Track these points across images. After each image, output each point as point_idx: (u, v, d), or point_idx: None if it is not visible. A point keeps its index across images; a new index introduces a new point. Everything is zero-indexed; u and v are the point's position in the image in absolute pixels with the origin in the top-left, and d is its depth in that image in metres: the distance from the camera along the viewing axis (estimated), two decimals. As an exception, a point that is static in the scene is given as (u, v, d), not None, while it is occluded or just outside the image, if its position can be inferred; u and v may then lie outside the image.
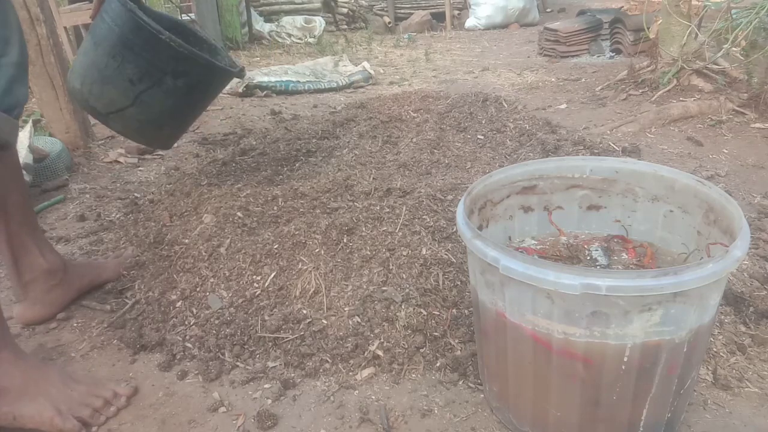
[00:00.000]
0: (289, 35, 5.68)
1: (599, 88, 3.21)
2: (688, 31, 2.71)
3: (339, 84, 3.64)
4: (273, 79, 3.56)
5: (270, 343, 1.22)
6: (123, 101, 1.51)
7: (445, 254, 1.36)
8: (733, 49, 2.69)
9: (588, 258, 1.11)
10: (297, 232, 1.39)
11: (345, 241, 1.38)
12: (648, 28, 3.16)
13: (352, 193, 1.62)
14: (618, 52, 4.13)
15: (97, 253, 1.67)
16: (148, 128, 1.62)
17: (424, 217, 1.48)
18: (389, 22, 6.46)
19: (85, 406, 1.07)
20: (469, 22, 6.16)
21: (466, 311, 1.26)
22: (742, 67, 2.72)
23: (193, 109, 1.73)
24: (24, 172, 1.98)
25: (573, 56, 4.25)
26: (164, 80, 1.50)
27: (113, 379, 1.18)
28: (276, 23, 5.86)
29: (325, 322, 1.24)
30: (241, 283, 1.33)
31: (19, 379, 1.04)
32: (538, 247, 1.18)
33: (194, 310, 1.31)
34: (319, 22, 5.79)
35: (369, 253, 1.35)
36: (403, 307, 1.23)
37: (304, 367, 1.18)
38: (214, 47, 1.87)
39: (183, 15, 4.12)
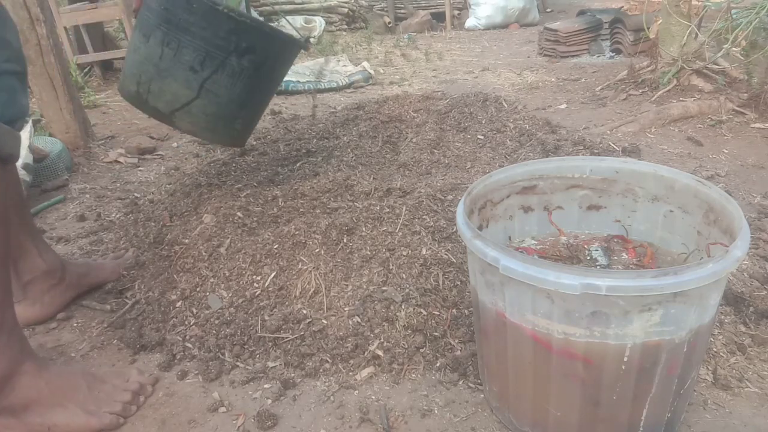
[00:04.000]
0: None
1: (599, 88, 3.21)
2: (688, 31, 2.71)
3: (339, 84, 3.64)
4: (273, 79, 3.56)
5: (270, 343, 1.22)
6: (187, 94, 1.38)
7: (445, 254, 1.36)
8: (733, 49, 2.69)
9: (588, 258, 1.11)
10: (297, 232, 1.39)
11: (345, 241, 1.38)
12: (648, 28, 3.16)
13: (352, 193, 1.62)
14: (618, 52, 4.13)
15: (97, 253, 1.67)
16: (219, 122, 1.48)
17: (424, 217, 1.48)
18: (389, 22, 6.46)
19: (115, 402, 1.09)
20: (469, 22, 6.15)
21: (466, 311, 1.26)
22: (742, 67, 2.72)
23: (264, 93, 1.58)
24: (24, 172, 1.98)
25: (573, 56, 4.25)
26: (228, 61, 1.35)
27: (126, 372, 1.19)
28: (276, 23, 5.86)
29: (325, 322, 1.24)
30: (241, 283, 1.33)
31: (45, 389, 1.04)
32: (538, 247, 1.18)
33: (194, 310, 1.31)
34: (319, 23, 5.78)
35: (369, 253, 1.35)
36: (403, 307, 1.23)
37: (304, 367, 1.18)
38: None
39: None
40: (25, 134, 2.12)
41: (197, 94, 1.38)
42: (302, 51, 1.64)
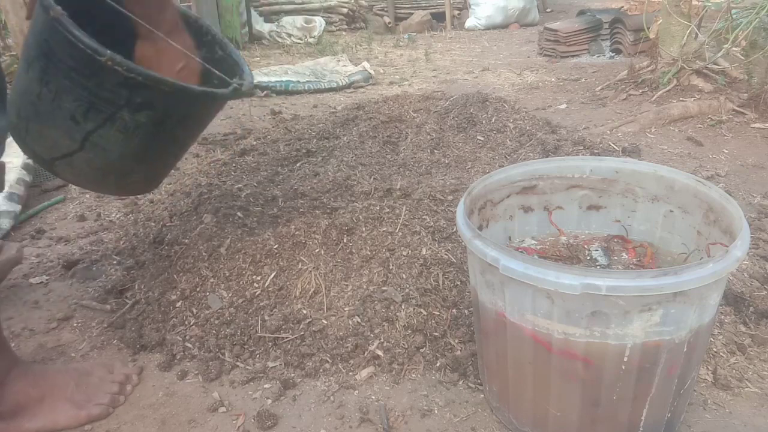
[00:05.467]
0: (289, 35, 5.68)
1: (599, 88, 3.21)
2: (688, 31, 2.71)
3: (339, 84, 3.64)
4: (273, 79, 3.56)
5: (270, 343, 1.22)
6: (68, 144, 1.09)
7: (445, 254, 1.36)
8: (733, 49, 2.69)
9: (588, 258, 1.11)
10: (297, 232, 1.39)
11: (345, 241, 1.38)
12: (648, 28, 3.16)
13: (352, 193, 1.62)
14: (618, 52, 4.13)
15: (97, 253, 1.67)
16: (109, 176, 1.18)
17: (424, 217, 1.48)
18: (389, 22, 6.46)
19: (103, 394, 1.10)
20: (469, 22, 6.15)
21: (466, 311, 1.26)
22: (742, 67, 2.72)
23: (172, 148, 1.26)
24: (24, 172, 1.98)
25: (573, 56, 4.25)
26: (118, 116, 1.05)
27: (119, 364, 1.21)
28: (276, 23, 5.86)
29: (325, 322, 1.24)
30: (241, 283, 1.33)
31: (33, 392, 1.06)
32: (538, 247, 1.18)
33: (194, 310, 1.31)
34: (319, 22, 5.78)
35: (369, 253, 1.35)
36: (403, 307, 1.23)
37: (304, 367, 1.18)
38: (220, 43, 1.35)
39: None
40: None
41: (80, 147, 1.09)
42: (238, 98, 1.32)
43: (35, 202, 2.01)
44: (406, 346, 1.19)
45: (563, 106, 2.98)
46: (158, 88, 1.03)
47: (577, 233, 1.22)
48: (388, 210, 1.48)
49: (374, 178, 1.75)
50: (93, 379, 1.12)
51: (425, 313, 1.23)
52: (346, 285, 1.30)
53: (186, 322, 1.29)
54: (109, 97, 1.03)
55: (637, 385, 0.85)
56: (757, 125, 2.47)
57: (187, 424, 1.07)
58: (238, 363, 1.20)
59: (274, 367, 1.19)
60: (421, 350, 1.19)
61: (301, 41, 5.59)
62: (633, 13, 4.57)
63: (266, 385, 1.15)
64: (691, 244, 1.07)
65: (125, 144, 1.11)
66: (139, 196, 2.02)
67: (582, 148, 2.13)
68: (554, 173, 1.18)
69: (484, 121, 2.32)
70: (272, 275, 1.33)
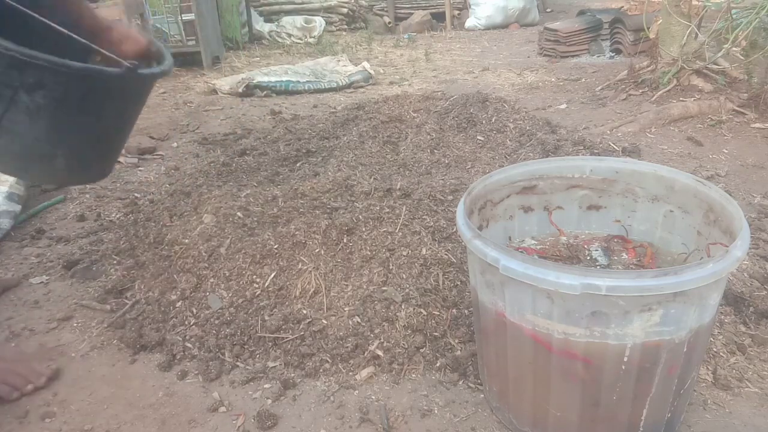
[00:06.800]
0: (289, 35, 5.67)
1: (599, 88, 3.21)
2: (688, 31, 2.71)
3: (339, 84, 3.63)
4: (273, 79, 3.56)
5: (270, 343, 1.22)
6: None
7: (445, 254, 1.36)
8: (733, 49, 2.69)
9: (588, 258, 1.11)
10: (297, 232, 1.39)
11: (345, 241, 1.38)
12: (648, 28, 3.16)
13: (352, 193, 1.62)
14: (618, 52, 4.13)
15: (97, 253, 1.67)
16: (31, 161, 1.21)
17: (424, 217, 1.48)
18: (389, 22, 6.46)
19: (0, 383, 1.11)
20: (469, 22, 6.15)
21: (466, 311, 1.26)
22: (742, 67, 2.72)
23: (85, 130, 1.24)
24: (24, 172, 1.98)
25: (573, 56, 4.25)
26: (18, 98, 1.11)
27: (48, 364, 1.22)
28: (276, 23, 5.86)
29: (325, 322, 1.24)
30: (241, 283, 1.33)
31: None
32: (538, 247, 1.18)
33: (194, 310, 1.31)
34: (319, 23, 5.78)
35: (369, 253, 1.35)
36: (403, 307, 1.23)
37: (304, 367, 1.18)
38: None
39: (183, 15, 4.12)
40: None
41: None
42: (161, 77, 1.27)
43: (35, 202, 2.01)
44: (406, 346, 1.19)
45: (563, 106, 2.98)
46: (52, 67, 1.06)
47: (577, 233, 1.22)
48: (388, 210, 1.48)
49: (374, 178, 1.75)
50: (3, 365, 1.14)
51: (425, 313, 1.23)
52: (346, 285, 1.30)
53: (186, 322, 1.29)
54: (4, 80, 1.08)
55: (637, 385, 0.85)
56: (757, 125, 2.47)
57: (187, 424, 1.07)
58: (238, 363, 1.20)
59: (274, 367, 1.19)
60: (421, 350, 1.19)
61: (301, 41, 5.59)
62: (633, 13, 4.57)
63: (266, 385, 1.15)
64: (691, 244, 1.07)
65: (35, 126, 1.15)
66: (137, 196, 2.02)
67: (582, 148, 2.13)
68: (554, 173, 1.18)
69: (484, 121, 2.32)
70: (272, 275, 1.33)
